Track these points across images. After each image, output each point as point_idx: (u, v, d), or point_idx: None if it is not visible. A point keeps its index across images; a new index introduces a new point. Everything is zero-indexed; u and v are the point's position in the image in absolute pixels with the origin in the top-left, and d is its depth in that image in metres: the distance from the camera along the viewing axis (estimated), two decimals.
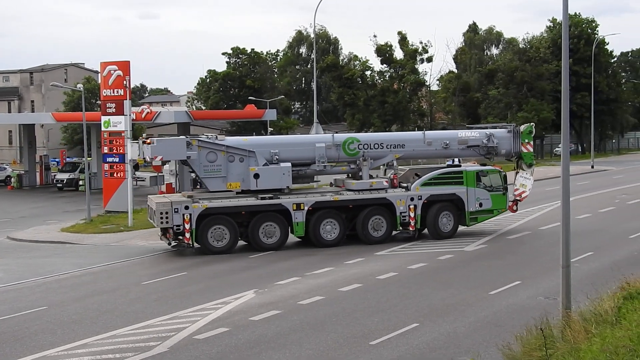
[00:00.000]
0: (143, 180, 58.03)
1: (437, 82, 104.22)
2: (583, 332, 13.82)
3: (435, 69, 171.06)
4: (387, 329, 18.55)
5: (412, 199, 31.96)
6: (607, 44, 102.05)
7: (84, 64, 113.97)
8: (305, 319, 19.83)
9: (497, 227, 34.52)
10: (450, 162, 34.59)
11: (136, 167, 36.05)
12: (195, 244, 30.75)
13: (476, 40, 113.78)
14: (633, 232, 32.07)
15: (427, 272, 25.35)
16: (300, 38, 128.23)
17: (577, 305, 16.46)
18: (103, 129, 42.97)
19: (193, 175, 32.23)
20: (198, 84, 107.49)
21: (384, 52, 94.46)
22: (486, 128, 36.03)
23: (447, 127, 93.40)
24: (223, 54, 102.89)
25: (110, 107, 42.11)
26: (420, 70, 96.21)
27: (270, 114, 63.01)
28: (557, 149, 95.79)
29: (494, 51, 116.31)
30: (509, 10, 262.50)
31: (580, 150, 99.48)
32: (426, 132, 36.27)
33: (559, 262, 16.47)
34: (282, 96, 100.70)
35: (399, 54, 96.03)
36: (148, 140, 30.43)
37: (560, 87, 16.70)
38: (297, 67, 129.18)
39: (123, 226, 39.11)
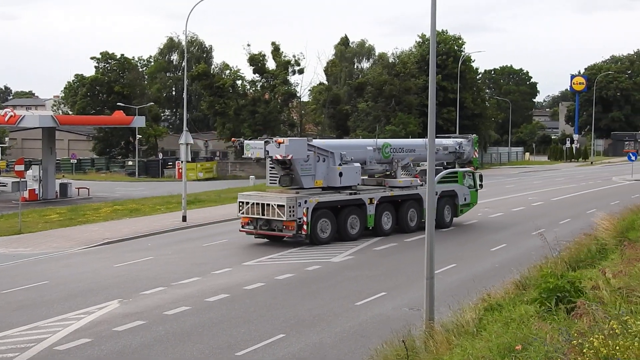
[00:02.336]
0: (5, 186, 56.40)
1: (308, 93, 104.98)
2: (445, 342, 14.08)
3: (307, 80, 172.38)
4: (253, 339, 18.50)
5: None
6: (473, 61, 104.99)
7: None
8: (171, 330, 19.58)
9: (364, 239, 34.83)
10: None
11: None
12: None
13: (347, 54, 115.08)
14: (494, 245, 32.93)
15: (294, 283, 25.41)
16: (171, 45, 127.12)
17: (440, 316, 16.76)
18: None
19: (276, 172, 34.26)
20: (65, 88, 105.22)
21: (256, 61, 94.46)
22: (450, 138, 43.78)
23: (317, 138, 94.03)
24: (91, 58, 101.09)
25: None
26: (291, 81, 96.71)
27: (139, 121, 62.13)
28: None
29: (366, 65, 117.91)
30: (376, 24, 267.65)
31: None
32: (426, 140, 39.50)
33: (424, 274, 16.74)
34: (152, 103, 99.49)
35: (271, 64, 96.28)
36: (281, 140, 32.87)
37: (428, 101, 17.02)
38: (168, 74, 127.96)
39: None
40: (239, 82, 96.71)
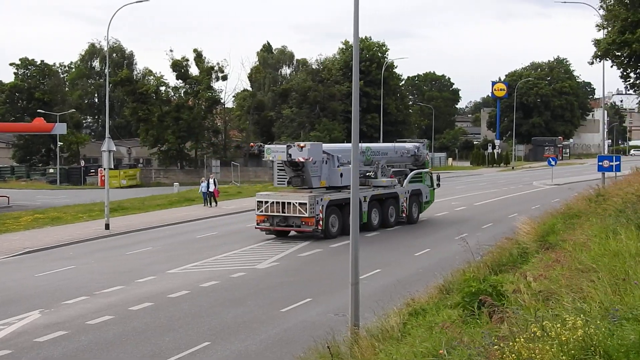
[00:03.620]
0: None
1: (232, 99, 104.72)
2: (370, 348, 14.12)
3: (231, 87, 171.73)
4: (178, 348, 18.33)
5: (406, 193, 41.78)
6: (396, 68, 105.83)
7: None
8: (94, 339, 19.30)
9: (289, 245, 34.86)
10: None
11: None
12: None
13: (270, 60, 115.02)
14: (418, 250, 33.15)
15: (219, 290, 25.27)
16: (93, 51, 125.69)
17: (365, 321, 16.81)
18: None
19: (284, 174, 37.65)
20: None
21: (179, 67, 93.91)
22: (407, 142, 47.98)
23: (241, 145, 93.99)
24: (11, 64, 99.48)
25: None
26: (215, 87, 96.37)
27: (60, 128, 61.38)
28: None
29: (287, 71, 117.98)
30: (294, 31, 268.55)
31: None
32: (395, 144, 46.51)
33: (348, 280, 16.79)
34: (73, 110, 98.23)
35: (194, 70, 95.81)
36: (302, 144, 36.41)
37: (352, 107, 17.07)
38: (90, 80, 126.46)
39: None
40: (162, 88, 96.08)
